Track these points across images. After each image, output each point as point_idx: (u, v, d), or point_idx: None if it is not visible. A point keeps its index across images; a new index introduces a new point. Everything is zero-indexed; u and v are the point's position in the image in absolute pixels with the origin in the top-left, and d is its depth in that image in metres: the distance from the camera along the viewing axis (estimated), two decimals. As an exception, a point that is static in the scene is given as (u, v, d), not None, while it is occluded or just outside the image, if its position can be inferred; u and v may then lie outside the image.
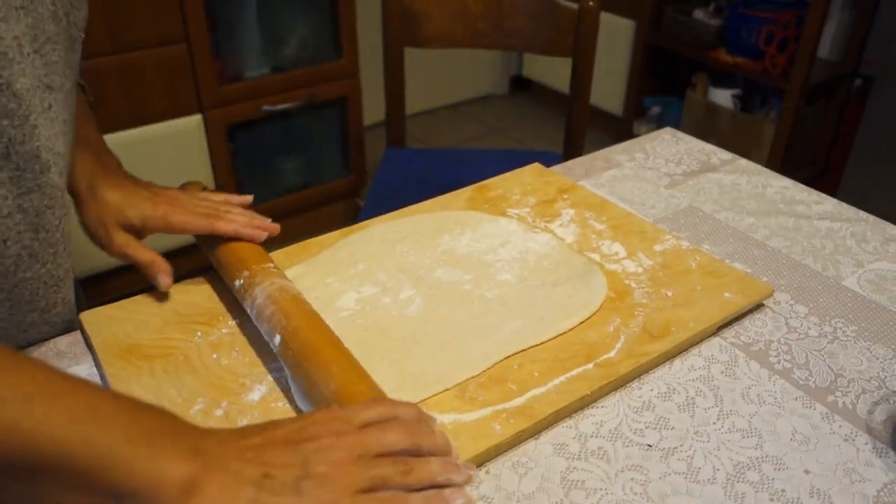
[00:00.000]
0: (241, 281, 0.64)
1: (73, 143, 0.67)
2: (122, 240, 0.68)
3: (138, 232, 0.69)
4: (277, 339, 0.58)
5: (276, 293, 0.61)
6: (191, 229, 0.70)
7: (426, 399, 0.57)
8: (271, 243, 0.76)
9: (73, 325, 0.68)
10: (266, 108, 1.92)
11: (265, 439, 0.43)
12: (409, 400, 0.55)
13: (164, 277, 0.68)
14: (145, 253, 0.68)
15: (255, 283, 0.63)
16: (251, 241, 0.70)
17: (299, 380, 0.56)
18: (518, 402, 0.57)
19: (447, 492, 0.45)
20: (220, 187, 1.92)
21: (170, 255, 0.72)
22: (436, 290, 0.69)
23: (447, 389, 0.58)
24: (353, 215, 2.20)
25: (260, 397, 0.57)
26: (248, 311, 0.63)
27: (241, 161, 1.97)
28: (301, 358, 0.56)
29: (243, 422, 0.55)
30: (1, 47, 0.55)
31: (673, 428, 0.57)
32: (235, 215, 0.71)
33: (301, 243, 0.77)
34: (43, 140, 0.60)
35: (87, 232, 0.70)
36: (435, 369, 0.60)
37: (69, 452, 0.36)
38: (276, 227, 0.72)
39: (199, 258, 0.74)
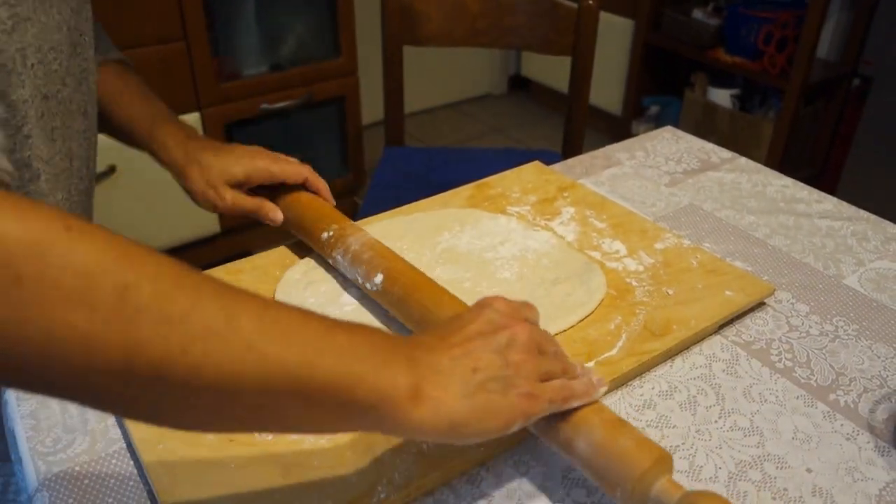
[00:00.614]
0: (331, 233, 0.70)
1: (140, 122, 0.76)
2: (232, 195, 0.75)
3: (242, 185, 0.75)
4: (379, 277, 0.64)
5: (372, 241, 0.68)
6: (288, 176, 0.76)
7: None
8: (269, 242, 0.76)
9: None
10: (264, 106, 1.91)
11: (463, 337, 0.46)
12: None
13: (275, 213, 0.75)
14: (253, 201, 0.76)
15: (347, 234, 0.69)
16: (327, 200, 0.77)
17: (410, 309, 0.61)
18: (519, 400, 0.57)
19: (595, 378, 0.50)
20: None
21: (183, 248, 0.73)
22: (437, 289, 0.69)
23: None
24: (352, 214, 2.20)
25: (259, 395, 0.57)
26: (339, 257, 0.68)
27: (239, 159, 1.96)
28: (412, 289, 0.62)
29: (242, 419, 0.55)
30: (1, 59, 0.55)
31: (674, 426, 0.57)
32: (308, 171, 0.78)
33: (299, 240, 0.76)
34: (34, 149, 0.60)
35: (196, 198, 0.76)
36: None
37: (322, 376, 0.39)
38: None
39: (208, 252, 0.75)
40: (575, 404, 0.48)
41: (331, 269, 0.72)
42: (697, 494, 0.44)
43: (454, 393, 0.43)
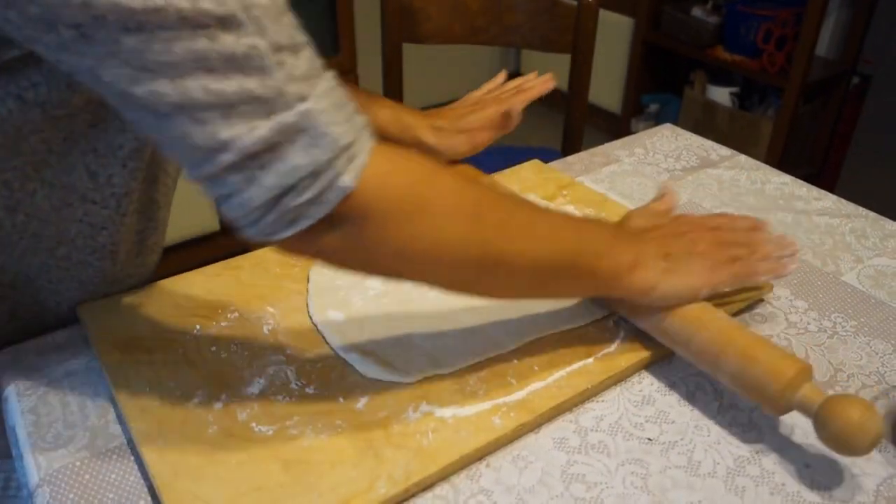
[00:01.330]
0: None
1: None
2: (465, 126, 0.91)
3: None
4: None
5: None
6: (479, 120, 0.93)
7: (428, 378, 0.57)
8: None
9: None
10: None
11: (660, 234, 0.63)
12: (442, 370, 0.60)
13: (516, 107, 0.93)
14: (478, 116, 0.93)
15: None
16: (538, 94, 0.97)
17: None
18: (518, 395, 0.57)
19: (785, 259, 0.63)
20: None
21: (182, 246, 0.74)
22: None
23: (478, 363, 0.60)
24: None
25: (259, 391, 0.57)
26: None
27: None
28: None
29: (242, 415, 0.55)
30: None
31: (673, 422, 0.57)
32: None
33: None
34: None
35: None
36: (465, 344, 0.62)
37: (582, 256, 0.56)
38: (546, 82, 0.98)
39: (207, 249, 0.75)
40: (761, 278, 0.63)
41: None
42: (841, 396, 0.50)
43: (655, 266, 0.59)
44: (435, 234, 0.48)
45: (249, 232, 0.46)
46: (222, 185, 0.43)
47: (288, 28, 0.42)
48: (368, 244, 0.47)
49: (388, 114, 0.83)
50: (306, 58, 0.43)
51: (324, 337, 0.63)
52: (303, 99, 0.42)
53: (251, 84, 0.41)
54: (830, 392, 0.53)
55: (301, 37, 0.43)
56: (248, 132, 0.41)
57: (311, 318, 0.65)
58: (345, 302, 0.67)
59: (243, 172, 0.42)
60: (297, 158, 0.42)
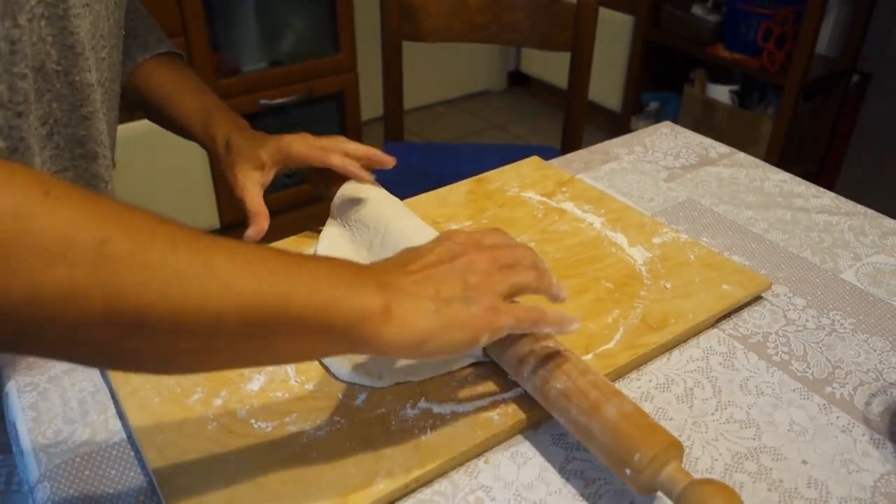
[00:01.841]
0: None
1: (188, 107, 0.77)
2: (243, 184, 0.73)
3: (267, 170, 0.73)
4: None
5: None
6: (308, 160, 0.73)
7: (430, 379, 0.58)
8: (267, 237, 0.76)
9: None
10: (264, 102, 1.92)
11: (422, 265, 0.49)
12: (413, 378, 0.58)
13: (251, 230, 0.72)
14: (255, 203, 0.72)
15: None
16: (357, 179, 0.75)
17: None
18: (517, 392, 0.57)
19: (568, 316, 0.52)
20: (217, 182, 1.92)
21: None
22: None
23: (450, 373, 0.59)
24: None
25: (259, 387, 0.57)
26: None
27: (238, 155, 1.97)
28: None
29: (242, 412, 0.55)
30: (71, 41, 0.58)
31: (671, 419, 0.58)
32: (351, 149, 0.75)
33: (296, 237, 0.77)
34: (93, 131, 0.63)
35: (227, 180, 0.75)
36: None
37: (298, 304, 0.41)
38: (390, 161, 0.75)
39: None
40: (545, 329, 0.51)
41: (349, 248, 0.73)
42: (705, 482, 0.44)
43: (421, 310, 0.46)
44: (28, 281, 0.33)
45: None
46: None
47: None
48: None
49: (198, 107, 0.78)
50: None
51: None
52: None
53: None
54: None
55: None
56: None
57: None
58: None
59: None
60: None
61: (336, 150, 0.74)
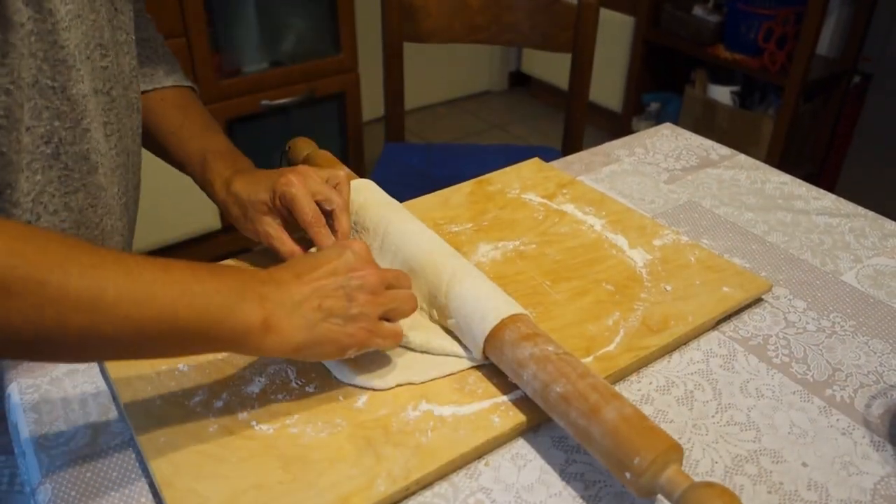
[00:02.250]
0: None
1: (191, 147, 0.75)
2: (266, 232, 0.68)
3: (276, 209, 0.67)
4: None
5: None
6: (298, 210, 0.65)
7: (431, 380, 0.58)
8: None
9: None
10: (265, 102, 1.92)
11: (317, 275, 0.53)
12: (415, 379, 0.59)
13: (281, 246, 0.68)
14: (287, 247, 0.67)
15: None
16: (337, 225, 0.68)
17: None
18: (517, 394, 0.57)
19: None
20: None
21: (184, 244, 0.74)
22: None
23: (451, 375, 0.60)
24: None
25: (260, 389, 0.58)
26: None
27: (239, 156, 1.97)
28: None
29: (243, 414, 0.55)
30: (62, 55, 0.57)
31: (672, 421, 0.58)
32: (339, 223, 0.67)
33: (298, 236, 0.77)
34: (93, 143, 0.63)
35: (244, 232, 0.71)
36: (412, 360, 0.61)
37: (184, 323, 0.46)
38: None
39: (208, 248, 0.75)
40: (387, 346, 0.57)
41: None
42: (705, 485, 0.44)
43: (297, 325, 0.51)
44: None
45: None
46: None
47: None
48: None
49: (196, 151, 0.75)
50: None
51: None
52: None
53: None
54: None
55: None
56: None
57: None
58: None
59: None
60: None
61: (321, 221, 0.66)
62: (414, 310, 0.58)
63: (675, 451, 0.47)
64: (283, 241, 0.68)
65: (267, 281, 0.52)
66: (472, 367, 0.60)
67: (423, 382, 0.58)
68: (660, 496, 0.48)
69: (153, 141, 0.79)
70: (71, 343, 0.43)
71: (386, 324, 0.56)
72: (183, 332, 0.46)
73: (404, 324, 0.60)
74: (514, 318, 0.58)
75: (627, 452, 0.47)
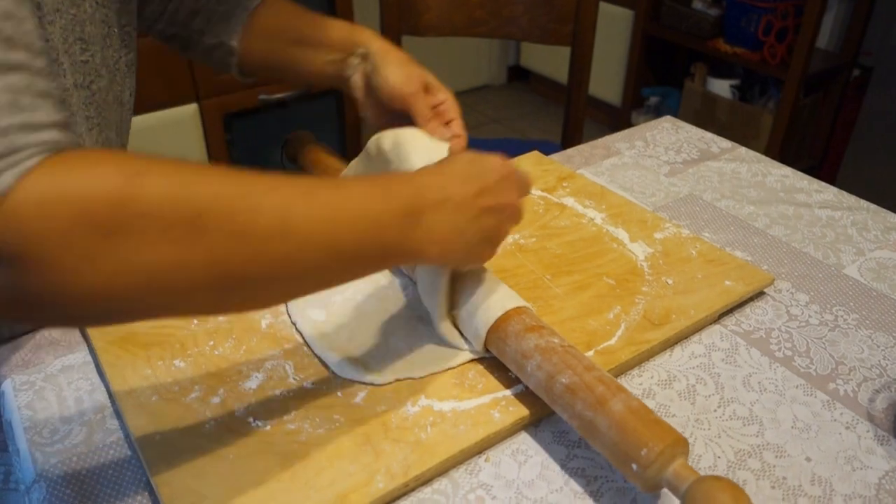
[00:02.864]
0: None
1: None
2: (415, 91, 0.71)
3: (429, 93, 0.73)
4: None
5: None
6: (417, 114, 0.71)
7: (431, 375, 0.57)
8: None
9: None
10: (263, 97, 1.91)
11: (479, 202, 0.53)
12: (415, 374, 0.58)
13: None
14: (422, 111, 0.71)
15: None
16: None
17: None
18: (518, 389, 0.57)
19: None
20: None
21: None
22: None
23: (451, 369, 0.59)
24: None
25: (258, 385, 0.57)
26: None
27: (237, 150, 1.96)
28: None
29: (240, 410, 0.55)
30: (49, 49, 0.57)
31: (674, 415, 0.57)
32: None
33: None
34: (77, 137, 0.62)
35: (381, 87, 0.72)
36: (412, 355, 0.61)
37: (367, 244, 0.47)
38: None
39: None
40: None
41: None
42: (711, 479, 0.44)
43: (453, 239, 0.52)
44: (134, 269, 0.37)
45: None
46: None
47: None
48: (33, 296, 0.35)
49: (337, 31, 0.76)
50: None
51: (302, 336, 0.62)
52: None
53: None
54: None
55: None
56: None
57: (289, 316, 0.64)
58: (325, 301, 0.66)
59: None
60: None
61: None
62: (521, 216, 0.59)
63: (681, 445, 0.47)
64: (422, 107, 0.71)
65: (441, 186, 0.52)
66: (473, 362, 0.59)
67: (422, 377, 0.58)
68: (664, 490, 0.48)
69: (277, 44, 0.78)
70: (259, 279, 0.42)
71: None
72: (357, 253, 0.46)
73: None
74: (518, 310, 0.58)
75: (634, 444, 0.46)
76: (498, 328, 0.57)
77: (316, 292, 0.48)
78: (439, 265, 0.58)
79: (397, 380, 0.58)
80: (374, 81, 0.72)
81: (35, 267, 0.34)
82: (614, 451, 0.48)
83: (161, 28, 0.79)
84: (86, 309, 0.37)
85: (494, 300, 0.58)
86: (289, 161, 0.85)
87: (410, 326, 0.63)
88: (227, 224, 0.39)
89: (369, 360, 0.59)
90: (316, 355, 0.60)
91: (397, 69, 0.71)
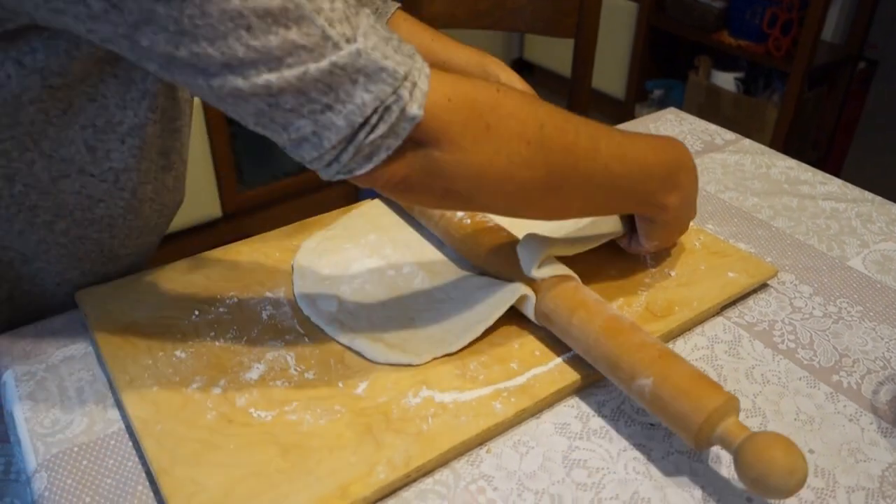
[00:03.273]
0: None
1: None
2: None
3: None
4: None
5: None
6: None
7: (429, 363, 0.57)
8: (269, 225, 0.75)
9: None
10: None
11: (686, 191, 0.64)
12: (450, 349, 0.60)
13: None
14: None
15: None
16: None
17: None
18: (519, 380, 0.57)
19: None
20: (219, 170, 1.91)
21: (184, 233, 0.73)
22: (438, 268, 0.69)
23: (449, 354, 0.59)
24: (353, 198, 2.20)
25: (259, 376, 0.57)
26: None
27: (240, 144, 1.95)
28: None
29: (241, 401, 0.55)
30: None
31: (676, 407, 0.57)
32: None
33: (299, 223, 0.76)
34: (181, 146, 0.69)
35: None
36: (465, 321, 0.61)
37: (644, 186, 0.60)
38: None
39: (209, 237, 0.75)
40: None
41: (344, 239, 0.72)
42: (763, 434, 0.47)
43: (690, 204, 0.65)
44: (502, 157, 0.49)
45: (326, 172, 0.47)
46: (292, 130, 0.44)
47: None
48: (443, 168, 0.48)
49: (468, 56, 0.82)
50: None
51: (323, 330, 0.62)
52: (350, 40, 0.42)
53: (293, 35, 0.41)
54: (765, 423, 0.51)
55: None
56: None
57: (302, 311, 0.64)
58: (333, 292, 0.65)
59: (309, 118, 0.43)
60: (362, 97, 0.43)
61: None
62: None
63: (733, 402, 0.49)
64: None
65: (681, 173, 0.63)
66: (474, 351, 0.59)
67: (423, 368, 0.58)
68: (715, 448, 0.51)
69: None
70: (573, 186, 0.54)
71: None
72: (639, 192, 0.60)
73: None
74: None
75: (689, 402, 0.49)
76: (561, 281, 0.61)
77: (594, 214, 0.63)
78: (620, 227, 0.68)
79: (434, 358, 0.58)
80: None
81: (447, 146, 0.47)
82: (666, 410, 0.50)
83: None
84: (466, 182, 0.49)
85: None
86: None
87: (434, 308, 0.64)
88: (560, 137, 0.52)
89: (402, 343, 0.59)
90: (344, 345, 0.60)
91: None
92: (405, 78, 0.44)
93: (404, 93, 0.44)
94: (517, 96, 0.50)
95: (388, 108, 0.44)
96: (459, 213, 0.70)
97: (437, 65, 0.76)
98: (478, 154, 0.48)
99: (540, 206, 0.56)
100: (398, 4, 0.82)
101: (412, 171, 0.48)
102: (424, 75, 0.45)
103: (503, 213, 0.55)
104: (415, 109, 0.45)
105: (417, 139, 0.46)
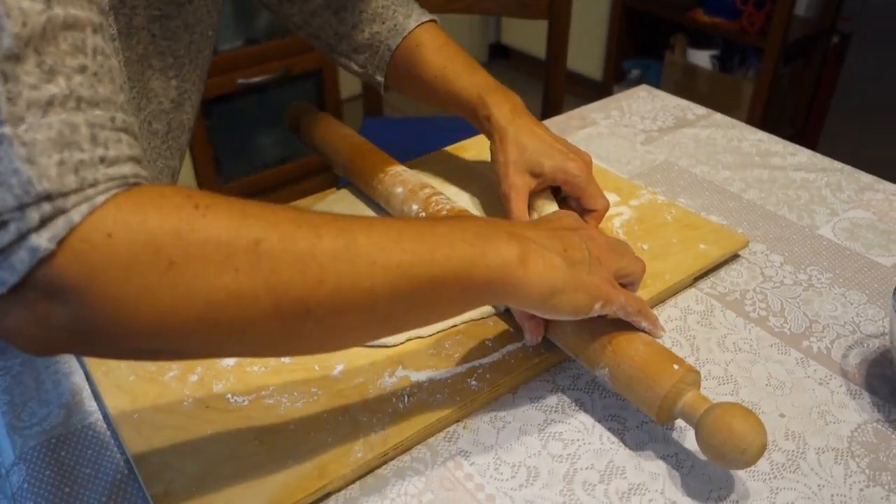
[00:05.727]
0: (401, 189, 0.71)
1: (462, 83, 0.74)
2: (514, 182, 0.68)
3: (540, 182, 0.69)
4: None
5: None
6: (589, 197, 0.68)
7: (404, 343, 0.57)
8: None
9: None
10: (241, 81, 1.89)
11: (551, 226, 0.53)
12: (423, 333, 0.60)
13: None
14: (520, 209, 0.68)
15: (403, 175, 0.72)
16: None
17: None
18: (494, 357, 0.57)
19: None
20: (197, 163, 1.90)
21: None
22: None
23: (422, 336, 0.60)
24: (333, 185, 2.19)
25: (235, 362, 0.57)
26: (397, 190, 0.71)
27: (217, 136, 1.95)
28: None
29: (218, 387, 0.55)
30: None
31: (649, 378, 0.57)
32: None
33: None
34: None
35: (494, 164, 0.71)
36: None
37: (440, 268, 0.43)
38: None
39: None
40: (642, 324, 0.52)
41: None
42: (722, 405, 0.47)
43: (552, 263, 0.47)
44: (197, 299, 0.36)
45: None
46: None
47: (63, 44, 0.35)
48: (103, 327, 0.35)
49: (469, 89, 0.74)
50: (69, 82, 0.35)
51: None
52: (3, 121, 0.33)
53: None
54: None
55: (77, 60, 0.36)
56: None
57: None
58: None
59: None
60: None
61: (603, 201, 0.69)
62: (643, 272, 0.56)
63: (693, 375, 0.49)
64: (519, 202, 0.68)
65: (510, 223, 0.53)
66: (451, 331, 0.60)
67: (398, 349, 0.58)
68: (678, 422, 0.52)
69: (418, 86, 0.78)
70: (331, 305, 0.40)
71: (628, 291, 0.53)
72: (437, 281, 0.43)
73: None
74: None
75: (648, 376, 0.49)
76: None
77: (382, 336, 0.46)
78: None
79: (409, 339, 0.59)
80: (491, 150, 0.72)
81: (96, 300, 0.34)
82: (628, 385, 0.50)
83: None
84: (143, 342, 0.37)
85: None
86: (291, 131, 0.88)
87: None
88: (289, 247, 0.38)
89: None
90: None
91: (510, 147, 0.69)
92: (47, 199, 0.33)
93: (33, 215, 0.33)
94: (225, 209, 0.38)
95: (3, 225, 0.33)
96: (415, 206, 0.69)
97: (439, 99, 0.77)
98: (155, 304, 0.35)
99: (293, 345, 0.43)
100: (428, 18, 0.79)
101: (52, 331, 0.36)
102: (88, 204, 0.34)
103: (242, 356, 0.47)
104: (41, 241, 0.33)
105: (52, 283, 0.34)
